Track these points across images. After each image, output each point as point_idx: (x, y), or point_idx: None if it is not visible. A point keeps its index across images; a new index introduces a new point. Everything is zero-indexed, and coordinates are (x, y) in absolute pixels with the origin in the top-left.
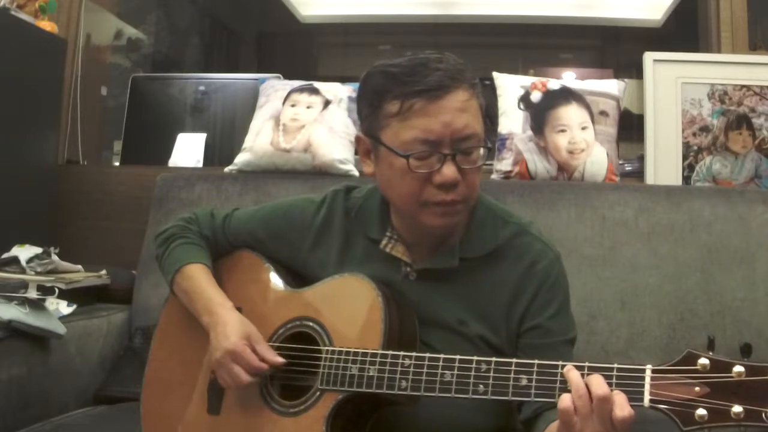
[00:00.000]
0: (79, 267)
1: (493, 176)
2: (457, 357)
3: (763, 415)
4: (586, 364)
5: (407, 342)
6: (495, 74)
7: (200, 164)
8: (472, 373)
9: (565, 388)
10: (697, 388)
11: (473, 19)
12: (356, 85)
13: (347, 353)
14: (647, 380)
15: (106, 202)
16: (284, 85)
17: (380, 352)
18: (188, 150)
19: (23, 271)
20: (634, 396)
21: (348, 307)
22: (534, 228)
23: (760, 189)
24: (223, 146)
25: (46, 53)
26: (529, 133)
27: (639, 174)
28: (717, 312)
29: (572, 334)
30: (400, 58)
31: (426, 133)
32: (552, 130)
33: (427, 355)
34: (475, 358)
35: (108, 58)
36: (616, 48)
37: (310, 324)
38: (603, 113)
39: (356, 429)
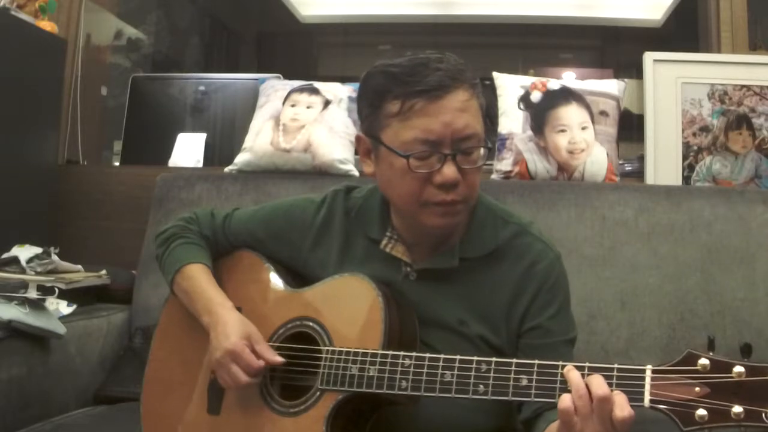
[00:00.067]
0: (79, 267)
1: (493, 176)
2: (458, 357)
3: (763, 415)
4: (587, 364)
5: (407, 342)
6: (495, 74)
7: (200, 164)
8: (473, 373)
9: (565, 388)
10: (697, 389)
11: (473, 19)
12: (356, 85)
13: (347, 353)
14: (647, 380)
15: (106, 202)
16: (284, 85)
17: (380, 352)
18: (188, 150)
19: (23, 271)
20: (635, 396)
21: (348, 307)
22: (534, 228)
23: (760, 189)
24: (223, 146)
25: (46, 53)
26: (529, 133)
27: (639, 174)
28: (717, 312)
29: (572, 334)
30: (401, 58)
31: (426, 133)
32: (552, 130)
33: (428, 355)
34: (476, 358)
35: (108, 58)
36: (616, 48)
37: (311, 324)
38: (603, 113)
39: (356, 429)
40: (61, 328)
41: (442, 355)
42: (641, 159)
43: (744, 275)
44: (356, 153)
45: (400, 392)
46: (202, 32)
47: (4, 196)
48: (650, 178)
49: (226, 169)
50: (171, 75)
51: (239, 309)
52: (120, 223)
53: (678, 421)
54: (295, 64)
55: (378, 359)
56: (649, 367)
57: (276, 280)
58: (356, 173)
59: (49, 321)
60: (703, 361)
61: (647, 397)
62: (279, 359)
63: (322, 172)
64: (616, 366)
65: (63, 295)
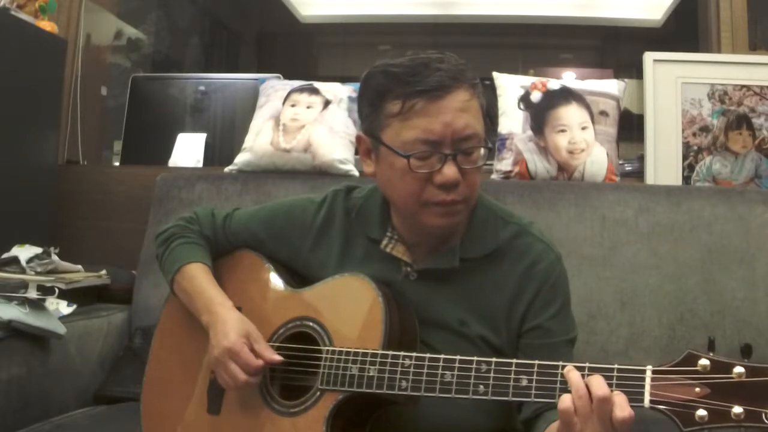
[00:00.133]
0: (79, 267)
1: (493, 176)
2: (458, 357)
3: (764, 416)
4: (587, 364)
5: (407, 342)
6: (495, 74)
7: (200, 164)
8: (473, 373)
9: (565, 388)
10: (697, 389)
11: (473, 19)
12: (356, 85)
13: (347, 353)
14: (647, 381)
15: (106, 202)
16: (284, 85)
17: (380, 352)
18: (188, 150)
19: (23, 271)
20: (635, 397)
21: (348, 308)
22: (535, 228)
23: (760, 189)
24: (223, 146)
25: (46, 53)
26: (529, 133)
27: (639, 174)
28: (717, 312)
29: (573, 335)
30: (402, 58)
31: (427, 133)
32: (552, 130)
33: (428, 355)
34: (476, 358)
35: (108, 58)
36: (616, 48)
37: (311, 324)
38: (603, 113)
39: (356, 429)
40: (61, 328)
41: (442, 356)
42: (641, 159)
43: (744, 275)
44: (356, 153)
45: (400, 392)
46: (202, 32)
47: (4, 196)
48: (650, 178)
49: (226, 169)
50: (171, 75)
51: (239, 309)
52: (120, 223)
53: (678, 421)
54: (295, 64)
55: (378, 359)
56: (649, 368)
57: (276, 280)
58: (356, 173)
59: (49, 321)
60: (704, 362)
61: (647, 398)
62: (278, 358)
63: (322, 172)
64: (616, 366)
65: (63, 295)
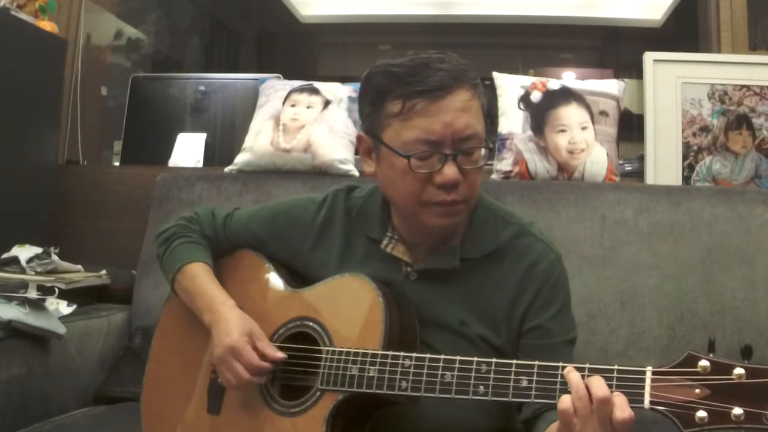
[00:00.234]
0: (79, 267)
1: (493, 176)
2: (458, 358)
3: (764, 417)
4: (587, 365)
5: (408, 342)
6: (495, 74)
7: (200, 164)
8: (473, 374)
9: (565, 389)
10: (697, 390)
11: (473, 19)
12: (356, 85)
13: (347, 353)
14: (647, 382)
15: (106, 202)
16: (284, 85)
17: (380, 352)
18: (188, 150)
19: (23, 271)
20: (635, 397)
21: (348, 308)
22: (535, 228)
23: (760, 189)
24: (223, 146)
25: (46, 53)
26: (529, 133)
27: (639, 174)
28: (717, 312)
29: (573, 335)
30: (403, 57)
31: (427, 134)
32: (552, 130)
33: (428, 355)
34: (476, 359)
35: (108, 58)
36: (616, 48)
37: (311, 324)
38: (603, 113)
39: (356, 429)
40: (61, 328)
41: (442, 356)
42: (641, 159)
43: (744, 275)
44: (357, 153)
45: (400, 393)
46: (202, 32)
47: (4, 196)
48: (650, 178)
49: (226, 169)
50: (171, 75)
51: (240, 308)
52: (120, 223)
53: (678, 422)
54: (295, 64)
55: (378, 359)
56: (649, 369)
57: (276, 280)
58: (356, 173)
59: (49, 321)
60: (704, 363)
61: (647, 399)
62: (281, 355)
63: (322, 172)
64: (616, 367)
65: (63, 295)
